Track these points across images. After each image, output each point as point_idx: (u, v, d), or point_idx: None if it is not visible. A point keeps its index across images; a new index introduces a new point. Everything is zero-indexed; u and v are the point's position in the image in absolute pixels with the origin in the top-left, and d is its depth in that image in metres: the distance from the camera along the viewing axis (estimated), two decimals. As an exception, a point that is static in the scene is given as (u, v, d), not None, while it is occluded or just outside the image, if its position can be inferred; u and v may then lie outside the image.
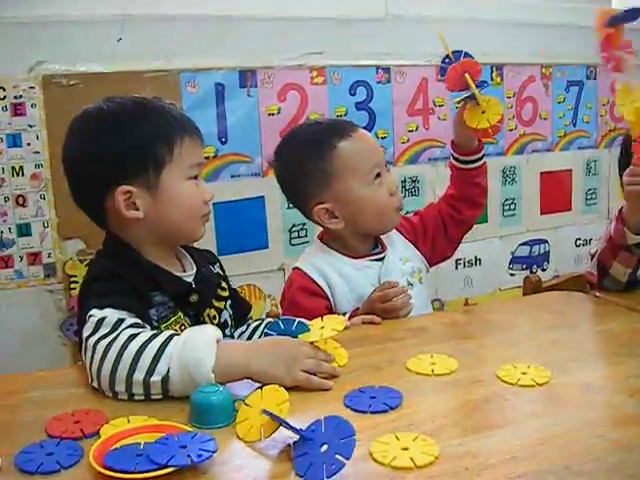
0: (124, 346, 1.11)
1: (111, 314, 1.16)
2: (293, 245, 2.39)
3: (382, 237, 1.70)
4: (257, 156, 2.32)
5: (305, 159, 1.61)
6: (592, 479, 0.86)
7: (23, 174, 2.03)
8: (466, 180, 1.75)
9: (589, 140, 3.00)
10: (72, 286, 2.09)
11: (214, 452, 0.90)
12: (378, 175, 1.61)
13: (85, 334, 1.16)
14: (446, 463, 0.90)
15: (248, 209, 2.33)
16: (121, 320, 1.16)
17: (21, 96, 2.00)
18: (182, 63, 2.17)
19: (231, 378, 1.11)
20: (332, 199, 1.60)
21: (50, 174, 2.04)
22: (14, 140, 2.02)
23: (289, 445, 0.93)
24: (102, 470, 0.86)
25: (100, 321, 1.15)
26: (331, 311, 1.56)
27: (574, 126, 2.95)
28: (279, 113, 2.34)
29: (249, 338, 1.49)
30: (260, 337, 1.46)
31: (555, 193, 2.94)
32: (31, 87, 2.00)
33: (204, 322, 1.35)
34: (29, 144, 2.03)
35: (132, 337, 1.12)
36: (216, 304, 1.41)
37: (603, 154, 3.05)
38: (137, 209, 1.28)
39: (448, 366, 1.20)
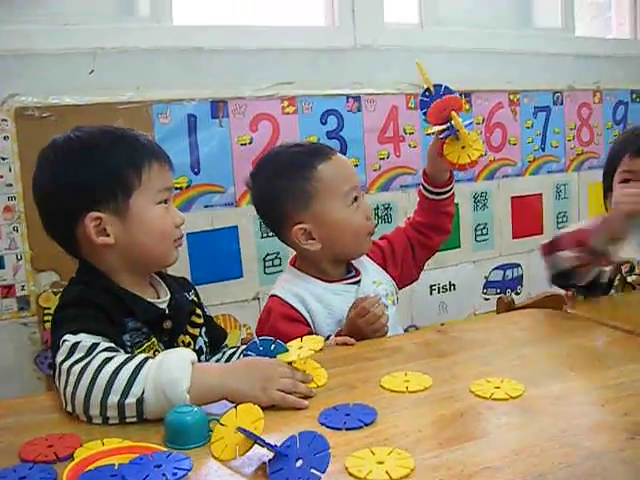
0: (98, 369, 1.11)
1: (85, 338, 1.16)
2: (267, 274, 2.39)
3: (353, 262, 1.71)
4: (230, 186, 2.33)
5: (285, 178, 1.62)
6: (566, 486, 0.87)
7: (-4, 207, 2.03)
8: (436, 209, 1.78)
9: (558, 164, 3.05)
10: (46, 319, 2.08)
11: (189, 470, 0.89)
12: (356, 199, 1.63)
13: (59, 359, 1.16)
14: (421, 476, 0.90)
15: (222, 239, 2.34)
16: (95, 344, 1.15)
17: (-7, 129, 2.00)
18: (154, 94, 2.19)
19: (207, 400, 1.10)
20: (310, 220, 1.61)
21: (23, 206, 2.04)
22: (-14, 173, 2.01)
23: (264, 462, 0.93)
24: (76, 491, 0.86)
25: (74, 345, 1.15)
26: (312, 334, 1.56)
27: (543, 151, 2.99)
28: (251, 143, 2.35)
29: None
30: None
31: (526, 217, 2.98)
32: (3, 120, 2.00)
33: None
34: (2, 176, 2.02)
35: (106, 360, 1.12)
36: (191, 331, 1.41)
37: (572, 178, 3.09)
38: (107, 235, 1.29)
39: (422, 383, 1.21)
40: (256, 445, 0.94)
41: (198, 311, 1.48)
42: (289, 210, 1.62)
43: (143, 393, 1.08)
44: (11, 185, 2.04)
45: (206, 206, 2.29)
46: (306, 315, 1.60)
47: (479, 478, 0.89)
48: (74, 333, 1.17)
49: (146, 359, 1.13)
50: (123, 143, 1.34)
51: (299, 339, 1.27)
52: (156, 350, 1.30)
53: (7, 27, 2.02)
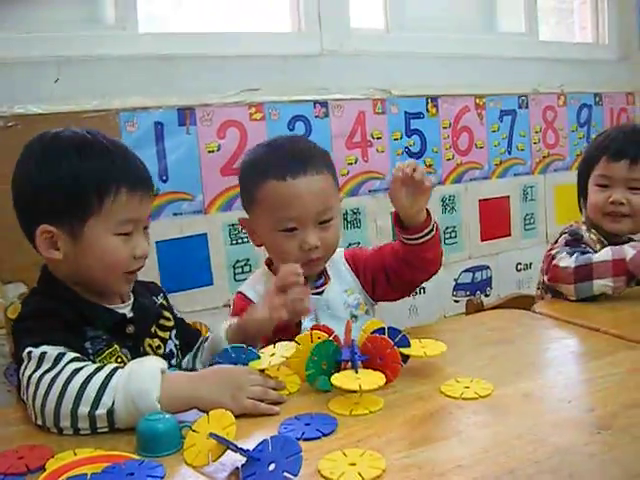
0: (68, 380, 1.10)
1: (50, 350, 1.15)
2: (237, 281, 2.38)
3: (328, 267, 1.69)
4: (198, 193, 2.32)
5: (250, 171, 1.64)
6: (534, 481, 0.88)
7: (-40, 218, 2.01)
8: (412, 252, 1.60)
9: (524, 167, 3.08)
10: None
11: (162, 478, 0.90)
12: (293, 229, 1.57)
13: (26, 372, 1.15)
14: (393, 476, 0.91)
15: (191, 246, 2.33)
16: (62, 354, 1.14)
17: (-42, 139, 1.98)
18: (120, 103, 2.17)
19: (177, 408, 1.10)
20: (253, 221, 1.64)
21: (-11, 218, 2.02)
22: (-49, 184, 1.99)
23: (237, 467, 0.93)
24: (48, 501, 0.86)
25: (41, 357, 1.14)
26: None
27: (509, 154, 3.02)
28: (219, 150, 2.35)
29: (194, 356, 1.49)
30: (203, 354, 1.47)
31: (494, 219, 3.00)
32: (-32, 130, 1.99)
33: (145, 353, 1.34)
34: (-34, 187, 2.00)
35: (76, 371, 1.11)
36: (160, 334, 1.41)
37: (539, 180, 3.12)
38: (57, 249, 1.26)
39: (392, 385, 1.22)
40: (229, 450, 0.95)
41: (167, 314, 1.47)
42: (243, 197, 1.68)
43: (113, 404, 1.08)
44: (-23, 196, 2.02)
45: (175, 214, 2.28)
46: None
47: (450, 476, 0.90)
48: (36, 345, 1.16)
49: (116, 369, 1.12)
50: (96, 158, 1.27)
51: (272, 345, 1.27)
52: (118, 357, 1.28)
53: (-29, 37, 2.01)
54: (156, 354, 1.36)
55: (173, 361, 1.41)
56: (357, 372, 1.17)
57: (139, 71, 2.22)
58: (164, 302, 1.50)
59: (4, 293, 2.05)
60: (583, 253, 1.77)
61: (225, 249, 2.37)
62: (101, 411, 1.08)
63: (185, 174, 2.29)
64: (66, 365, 1.12)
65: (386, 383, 1.17)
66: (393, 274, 1.67)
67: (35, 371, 1.13)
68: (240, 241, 2.38)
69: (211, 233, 2.34)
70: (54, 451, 1.03)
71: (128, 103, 2.19)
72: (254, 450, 0.92)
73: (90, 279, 1.30)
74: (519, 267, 3.09)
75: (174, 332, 1.46)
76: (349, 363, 1.22)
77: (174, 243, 2.27)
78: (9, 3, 2.10)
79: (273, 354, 1.24)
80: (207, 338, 1.50)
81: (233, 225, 2.35)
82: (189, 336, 1.52)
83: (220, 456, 0.95)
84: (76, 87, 2.11)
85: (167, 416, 1.04)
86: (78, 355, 1.17)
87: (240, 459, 0.93)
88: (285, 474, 0.87)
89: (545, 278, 1.84)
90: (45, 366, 1.13)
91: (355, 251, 1.78)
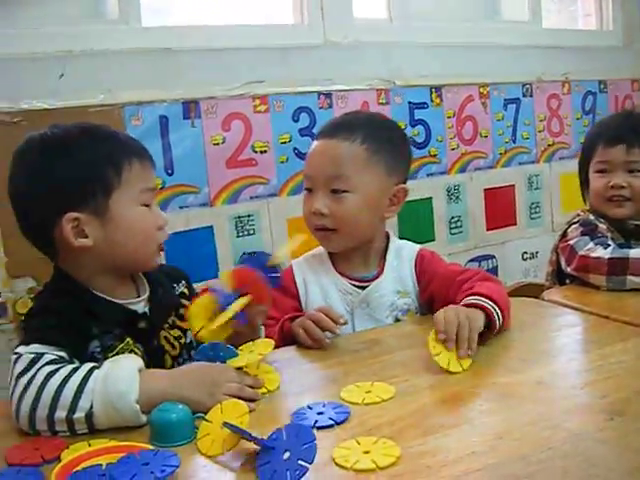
0: (42, 385, 1.08)
1: (36, 349, 1.14)
2: (244, 273, 2.39)
3: (389, 258, 1.61)
4: (204, 186, 2.33)
5: None
6: (548, 466, 0.89)
7: (-32, 213, 2.01)
8: None
9: (529, 155, 3.08)
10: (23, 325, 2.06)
11: (177, 467, 0.90)
12: (310, 189, 1.58)
13: (11, 371, 1.13)
14: (408, 463, 0.91)
15: (197, 239, 2.33)
16: (39, 356, 1.12)
17: (-37, 134, 1.99)
18: (125, 97, 2.18)
19: (155, 407, 1.07)
20: None
21: (-4, 212, 2.02)
22: (-43, 179, 1.99)
23: (251, 456, 0.93)
24: (65, 492, 0.86)
25: (18, 358, 1.13)
26: (299, 312, 1.54)
27: (514, 143, 3.02)
28: (224, 142, 2.35)
29: None
30: None
31: (500, 209, 3.00)
32: (-26, 125, 1.99)
33: (160, 346, 1.34)
34: (-27, 183, 2.01)
35: (51, 374, 1.09)
36: (179, 324, 1.40)
37: (544, 168, 3.12)
38: (86, 236, 1.24)
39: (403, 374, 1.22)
40: (243, 439, 0.95)
41: (188, 303, 1.45)
42: None
43: (91, 407, 1.07)
44: (-16, 191, 2.02)
45: (181, 207, 2.29)
46: (302, 295, 1.59)
47: (465, 463, 0.90)
48: (26, 344, 1.15)
49: (92, 370, 1.10)
50: (102, 140, 1.29)
51: (251, 342, 1.26)
52: (132, 351, 1.27)
53: (-25, 32, 2.01)
54: (176, 344, 1.36)
55: (193, 352, 1.40)
56: (253, 344, 1.26)
57: (143, 65, 2.22)
58: (185, 290, 1.48)
59: (13, 287, 2.06)
60: (605, 244, 1.77)
61: (231, 241, 2.38)
62: (79, 415, 1.07)
63: (191, 167, 2.30)
64: (41, 367, 1.10)
65: (254, 301, 1.27)
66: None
67: (14, 371, 1.12)
68: (246, 233, 2.39)
69: (217, 225, 2.35)
70: (68, 442, 1.03)
71: (133, 97, 2.20)
72: (268, 439, 0.92)
73: (125, 259, 1.30)
74: (525, 256, 3.09)
75: None
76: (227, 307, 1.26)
77: (180, 236, 2.27)
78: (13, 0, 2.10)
79: (251, 351, 1.23)
80: None
81: (239, 217, 2.36)
82: None
83: (234, 445, 0.95)
84: (81, 82, 2.12)
85: (180, 406, 1.04)
86: (62, 355, 1.15)
87: (254, 448, 0.94)
88: (300, 462, 0.87)
89: (568, 268, 1.83)
90: (20, 367, 1.11)
91: (431, 256, 1.64)
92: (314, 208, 1.55)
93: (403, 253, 1.63)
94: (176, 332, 1.38)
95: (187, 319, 1.30)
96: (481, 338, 1.29)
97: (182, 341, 1.38)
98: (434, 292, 1.56)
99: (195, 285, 2.17)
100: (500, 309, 1.37)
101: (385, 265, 1.61)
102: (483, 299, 1.36)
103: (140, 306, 1.35)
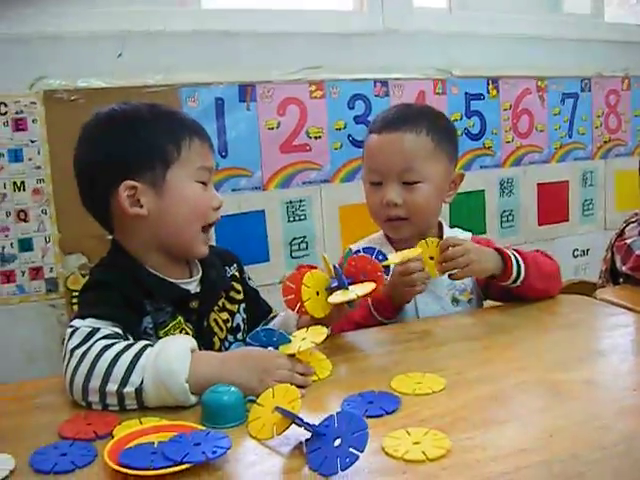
0: (97, 357, 1.10)
1: (91, 323, 1.16)
2: (294, 258, 2.40)
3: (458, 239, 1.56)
4: (257, 170, 2.34)
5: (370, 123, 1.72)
6: (600, 466, 0.87)
7: (24, 189, 2.05)
8: (520, 293, 1.57)
9: (585, 151, 3.03)
10: (74, 301, 2.10)
11: (228, 448, 0.90)
12: (379, 183, 1.60)
13: (65, 344, 1.15)
14: (457, 456, 0.91)
15: (249, 222, 2.35)
16: (95, 330, 1.14)
17: (22, 111, 2.02)
18: (182, 78, 2.19)
19: (205, 389, 1.08)
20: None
21: (52, 189, 2.05)
22: (15, 155, 2.03)
23: (301, 442, 0.94)
24: (117, 467, 0.87)
25: (74, 331, 1.15)
26: None
27: (570, 138, 2.98)
28: (278, 127, 2.36)
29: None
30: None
31: (552, 204, 2.97)
32: (32, 102, 2.02)
33: (209, 327, 1.35)
34: (30, 159, 2.05)
35: (105, 348, 1.11)
36: (229, 307, 1.41)
37: (599, 165, 3.08)
38: (141, 206, 1.27)
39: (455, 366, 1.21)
40: (293, 425, 0.95)
41: (238, 286, 1.47)
42: None
43: (142, 383, 1.08)
44: (40, 168, 2.06)
45: (234, 190, 2.30)
46: None
47: (514, 459, 0.89)
48: (83, 317, 1.17)
49: (145, 347, 1.12)
50: (164, 117, 1.33)
51: (304, 329, 1.26)
52: (182, 329, 1.29)
53: (36, 10, 2.03)
54: (223, 327, 1.37)
55: (239, 335, 1.41)
56: (348, 289, 1.29)
57: (201, 47, 2.23)
58: (236, 273, 1.50)
59: (65, 264, 2.10)
60: None
61: (282, 226, 2.39)
62: (129, 389, 1.08)
63: (244, 150, 2.31)
64: (97, 341, 1.12)
65: (375, 291, 1.30)
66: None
67: (69, 344, 1.14)
68: (297, 218, 2.39)
69: (269, 210, 2.36)
70: (120, 419, 1.05)
71: (189, 78, 2.21)
72: (320, 425, 0.92)
73: (173, 235, 1.31)
74: (576, 253, 3.05)
75: (243, 305, 1.46)
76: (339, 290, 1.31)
77: (232, 219, 2.28)
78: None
79: (304, 338, 1.23)
80: (275, 316, 1.51)
81: (291, 202, 2.37)
82: (259, 310, 1.52)
83: (284, 430, 0.96)
84: (139, 62, 2.14)
85: (233, 389, 1.04)
86: (117, 331, 1.17)
87: (304, 434, 0.94)
88: (351, 450, 0.87)
89: (624, 267, 1.81)
90: (75, 341, 1.13)
91: (487, 242, 1.66)
92: (387, 199, 1.57)
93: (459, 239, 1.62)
94: (224, 315, 1.40)
95: (284, 290, 1.33)
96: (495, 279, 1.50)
97: (229, 325, 1.39)
98: (487, 279, 1.60)
99: (245, 268, 2.19)
100: (526, 264, 1.51)
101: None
102: (509, 250, 1.53)
103: (192, 286, 1.37)
